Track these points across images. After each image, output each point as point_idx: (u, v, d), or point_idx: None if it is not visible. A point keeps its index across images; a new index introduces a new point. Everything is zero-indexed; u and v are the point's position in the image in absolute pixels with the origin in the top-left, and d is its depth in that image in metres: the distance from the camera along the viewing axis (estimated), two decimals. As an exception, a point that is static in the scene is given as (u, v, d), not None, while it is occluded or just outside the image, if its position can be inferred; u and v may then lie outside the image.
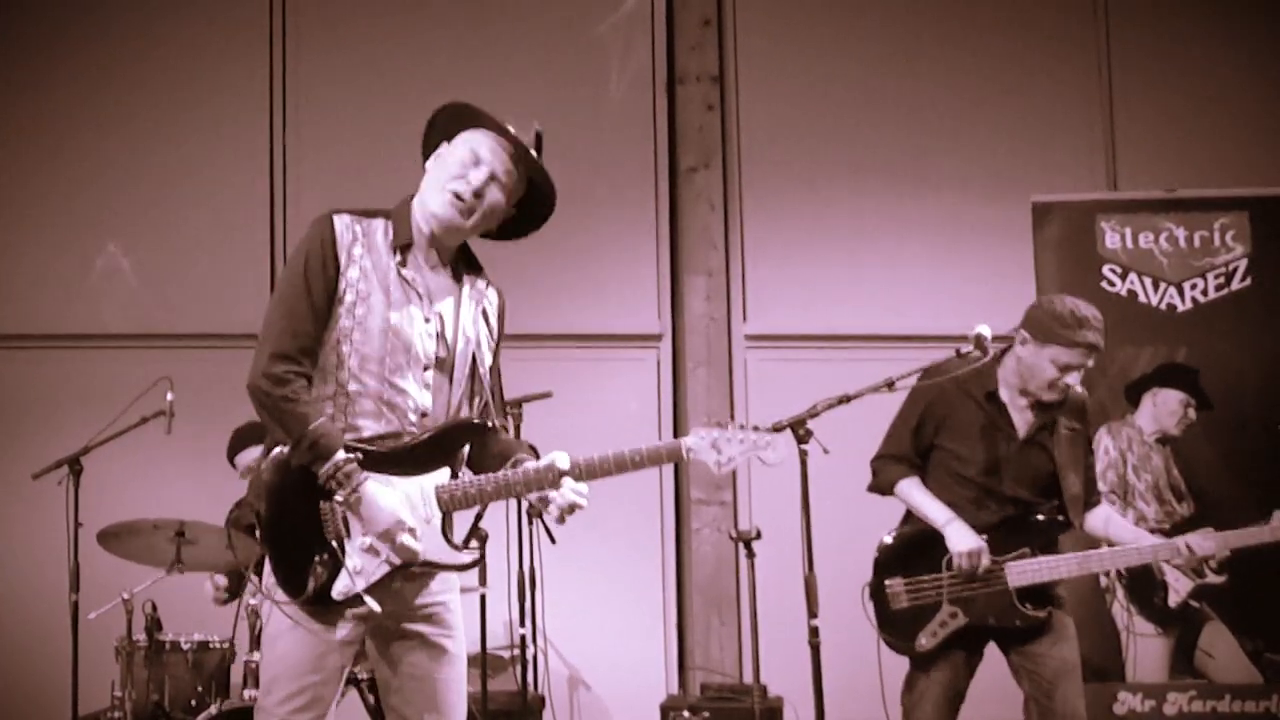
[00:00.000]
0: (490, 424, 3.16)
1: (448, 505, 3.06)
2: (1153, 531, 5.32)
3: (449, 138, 3.20)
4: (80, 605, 4.99)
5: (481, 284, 3.21)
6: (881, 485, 4.44)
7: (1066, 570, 4.24)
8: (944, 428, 4.35)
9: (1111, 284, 5.52)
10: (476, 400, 3.19)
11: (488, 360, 3.19)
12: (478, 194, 3.09)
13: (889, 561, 4.36)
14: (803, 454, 4.11)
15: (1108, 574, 5.35)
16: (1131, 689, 5.31)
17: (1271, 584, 5.28)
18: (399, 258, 3.07)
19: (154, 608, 4.84)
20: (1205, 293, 5.51)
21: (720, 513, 6.34)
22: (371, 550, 2.98)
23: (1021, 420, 4.32)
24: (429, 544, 3.03)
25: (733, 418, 3.25)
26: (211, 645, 4.88)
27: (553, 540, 5.22)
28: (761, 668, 4.57)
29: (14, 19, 6.39)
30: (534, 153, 3.16)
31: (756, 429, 3.18)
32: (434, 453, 3.06)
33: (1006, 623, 4.24)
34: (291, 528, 2.98)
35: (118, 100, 6.37)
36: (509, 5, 6.58)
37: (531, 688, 5.47)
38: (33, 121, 6.37)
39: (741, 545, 4.45)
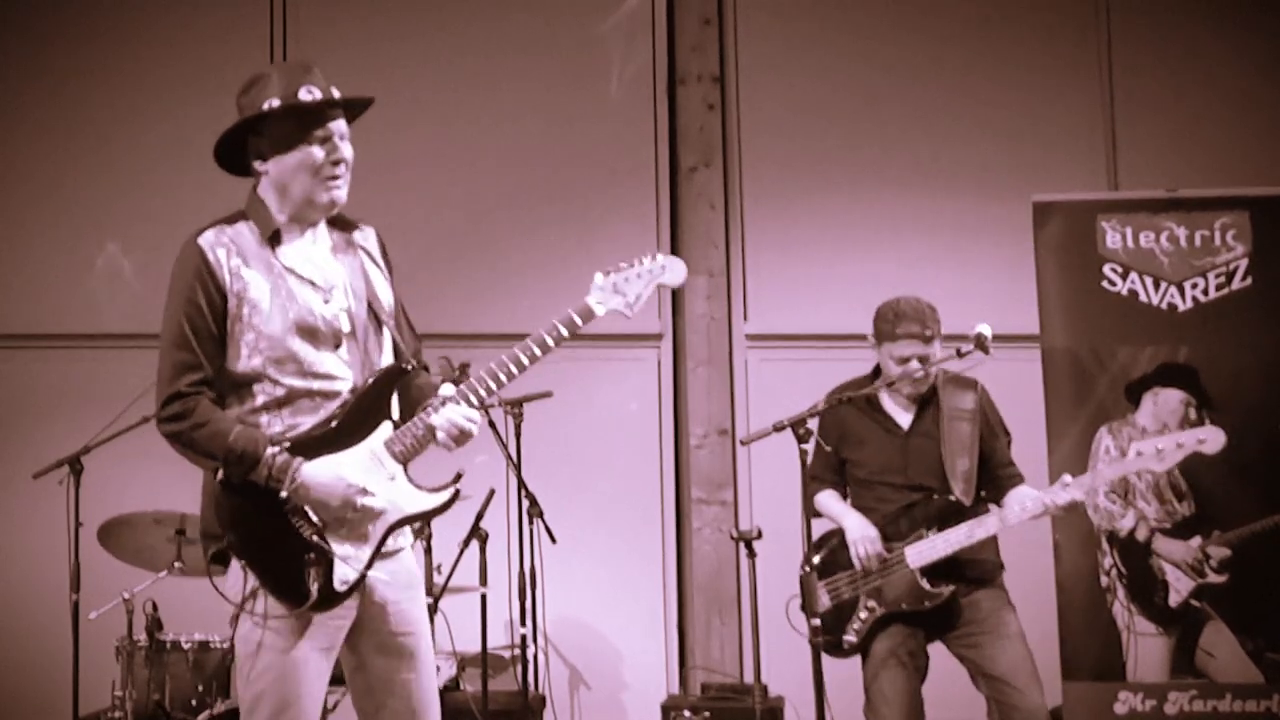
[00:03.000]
0: (404, 367, 3.14)
1: (402, 455, 3.06)
2: (1153, 531, 5.33)
3: (259, 133, 3.14)
4: (81, 605, 4.99)
5: (354, 234, 3.23)
6: (807, 505, 4.54)
7: (957, 541, 4.38)
8: (843, 441, 4.62)
9: (1112, 284, 5.52)
10: (385, 351, 3.17)
11: (387, 303, 3.19)
12: (347, 161, 3.12)
13: (812, 570, 4.47)
14: (803, 453, 4.13)
15: (1108, 574, 5.36)
16: (1132, 688, 5.30)
17: (1272, 583, 5.28)
18: (273, 250, 3.08)
19: (155, 607, 4.85)
20: (1206, 292, 5.51)
21: (721, 512, 6.34)
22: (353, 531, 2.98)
23: (904, 415, 4.56)
24: (402, 497, 3.04)
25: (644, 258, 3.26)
26: (212, 645, 4.88)
27: (553, 540, 5.22)
28: (762, 667, 4.58)
29: (14, 19, 6.40)
30: (332, 90, 3.13)
31: (650, 257, 3.23)
32: (365, 415, 3.05)
33: (916, 605, 4.39)
34: (269, 542, 2.96)
35: (118, 100, 6.37)
36: (509, 5, 6.58)
37: (532, 687, 5.47)
38: (33, 121, 6.37)
39: (742, 545, 4.46)
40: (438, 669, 4.83)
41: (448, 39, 6.50)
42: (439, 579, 4.85)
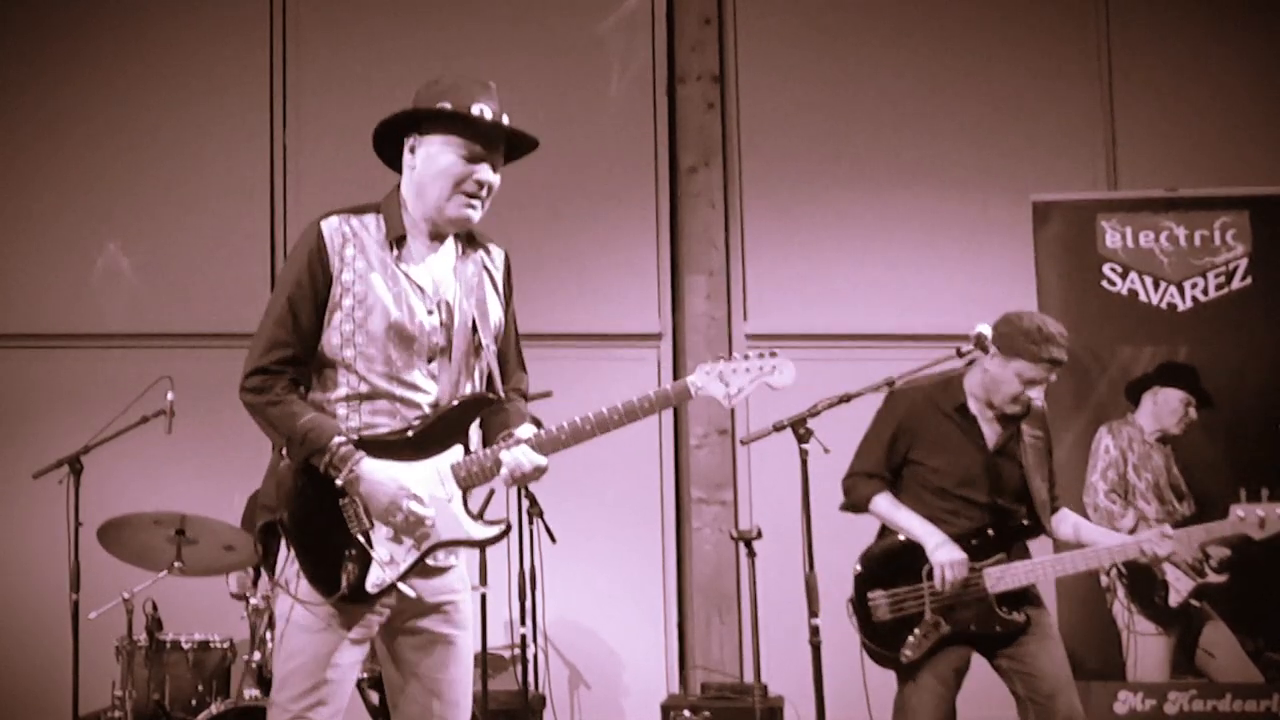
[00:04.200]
0: (492, 396, 3.16)
1: (465, 481, 3.09)
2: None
3: (418, 131, 3.15)
4: (81, 604, 4.99)
5: (480, 254, 3.22)
6: (856, 502, 4.48)
7: (1042, 573, 4.31)
8: (917, 442, 4.41)
9: (1112, 283, 5.52)
10: (478, 373, 3.19)
11: (492, 326, 3.19)
12: (489, 189, 3.12)
13: (869, 574, 4.40)
14: (803, 453, 4.11)
15: (1108, 573, 5.36)
16: (1132, 688, 5.31)
17: (1272, 583, 5.28)
18: (395, 252, 3.08)
19: (154, 607, 4.85)
20: (1206, 292, 5.51)
21: (721, 512, 6.34)
22: (397, 539, 3.01)
23: (990, 432, 4.40)
24: (450, 521, 3.07)
25: (730, 357, 3.25)
26: (212, 645, 4.88)
27: (553, 539, 5.22)
28: (762, 667, 4.57)
29: (14, 19, 6.39)
30: (503, 117, 3.13)
31: (760, 354, 3.22)
32: (443, 433, 3.08)
33: (987, 629, 4.28)
34: (317, 528, 3.01)
35: (118, 100, 6.36)
36: (509, 5, 6.58)
37: (532, 687, 5.47)
38: (33, 121, 6.37)
39: (742, 544, 4.45)
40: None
41: (447, 39, 6.50)
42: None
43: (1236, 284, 5.51)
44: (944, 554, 4.25)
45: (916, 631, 4.28)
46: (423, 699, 3.10)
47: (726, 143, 6.57)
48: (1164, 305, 5.52)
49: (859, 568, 4.40)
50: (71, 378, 6.20)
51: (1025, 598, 4.33)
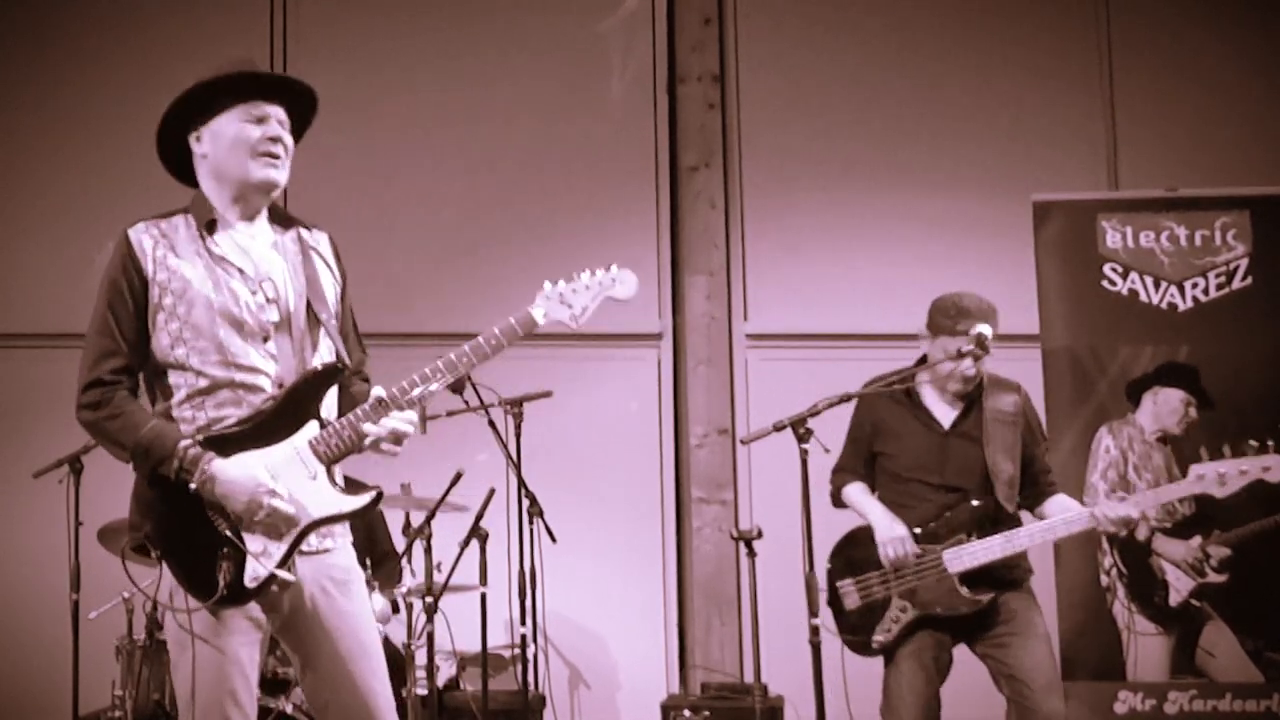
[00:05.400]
0: (339, 366, 3.11)
1: (325, 457, 3.02)
2: (1153, 530, 5.33)
3: (195, 124, 3.16)
4: (81, 604, 4.99)
5: (302, 232, 3.21)
6: (833, 494, 4.60)
7: (999, 550, 4.30)
8: (878, 433, 4.51)
9: (1112, 283, 5.52)
10: (323, 348, 3.14)
11: (331, 304, 3.17)
12: (285, 145, 3.11)
13: (838, 564, 4.50)
14: (803, 453, 4.12)
15: (1108, 573, 5.36)
16: (1132, 688, 5.30)
17: (1272, 583, 5.28)
18: (207, 239, 3.07)
19: (155, 606, 4.84)
20: (1206, 292, 5.51)
21: (721, 512, 6.34)
22: (268, 528, 2.97)
23: (945, 413, 4.46)
24: (320, 499, 3.01)
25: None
26: (212, 644, 4.87)
27: (553, 539, 5.22)
28: (762, 667, 4.57)
29: (14, 19, 6.39)
30: (269, 70, 3.17)
31: (596, 271, 3.19)
32: (292, 412, 3.03)
33: (953, 610, 4.31)
34: (184, 535, 2.95)
35: (118, 100, 6.36)
36: (509, 5, 6.58)
37: (532, 687, 5.46)
38: (33, 121, 6.37)
39: (742, 544, 4.44)
40: (438, 668, 4.84)
41: (447, 38, 6.50)
42: (439, 578, 4.85)
43: (1237, 284, 5.50)
44: (883, 532, 4.35)
45: (886, 618, 4.35)
46: (339, 697, 3.04)
47: (727, 143, 6.57)
48: (1164, 305, 5.52)
49: (829, 560, 4.48)
50: (71, 378, 6.16)
51: (994, 580, 4.33)
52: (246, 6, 6.48)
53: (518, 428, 5.37)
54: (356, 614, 3.10)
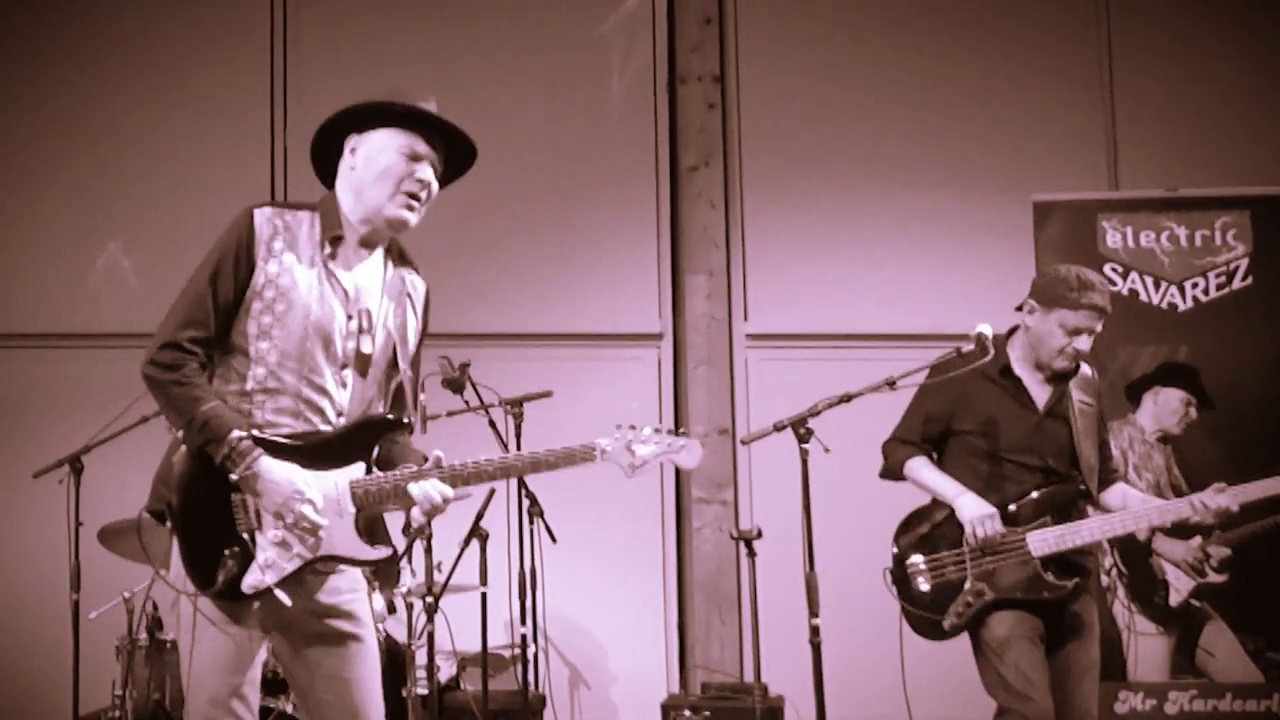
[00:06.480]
0: (404, 419, 3.12)
1: (361, 501, 3.02)
2: (1154, 530, 5.33)
3: (357, 130, 3.17)
4: (81, 604, 4.99)
5: (409, 275, 3.21)
6: (891, 467, 4.41)
7: (1089, 535, 4.17)
8: (961, 411, 4.31)
9: (1113, 283, 5.52)
10: (388, 395, 3.16)
11: (410, 352, 3.17)
12: (430, 190, 3.12)
13: (907, 544, 4.32)
14: (804, 453, 4.11)
15: (1108, 573, 5.36)
16: (1133, 688, 5.31)
17: (1272, 583, 5.29)
18: (328, 250, 3.06)
19: (155, 607, 4.85)
20: (1206, 292, 5.51)
21: (721, 512, 6.34)
22: (283, 544, 2.96)
23: (1040, 393, 4.30)
24: (340, 537, 3.00)
25: (666, 425, 3.24)
26: (212, 644, 4.87)
27: (553, 539, 5.22)
28: (762, 667, 4.57)
29: (14, 19, 6.39)
30: (445, 120, 3.15)
31: (672, 432, 3.18)
32: (348, 448, 3.04)
33: (1034, 594, 4.16)
34: (203, 519, 2.95)
35: (118, 100, 6.37)
36: (509, 5, 6.58)
37: (532, 687, 5.47)
38: (33, 121, 6.37)
39: (742, 544, 4.44)
40: (438, 668, 4.84)
41: (448, 39, 6.50)
42: (439, 578, 4.85)
43: (1237, 284, 5.51)
44: (971, 510, 4.17)
45: (959, 600, 4.19)
46: (330, 700, 3.04)
47: (727, 143, 6.58)
48: (1164, 305, 5.52)
49: (897, 534, 4.33)
50: (71, 378, 6.20)
51: (1075, 566, 4.20)
52: (247, 7, 6.48)
53: (518, 428, 5.37)
54: (358, 618, 3.09)
